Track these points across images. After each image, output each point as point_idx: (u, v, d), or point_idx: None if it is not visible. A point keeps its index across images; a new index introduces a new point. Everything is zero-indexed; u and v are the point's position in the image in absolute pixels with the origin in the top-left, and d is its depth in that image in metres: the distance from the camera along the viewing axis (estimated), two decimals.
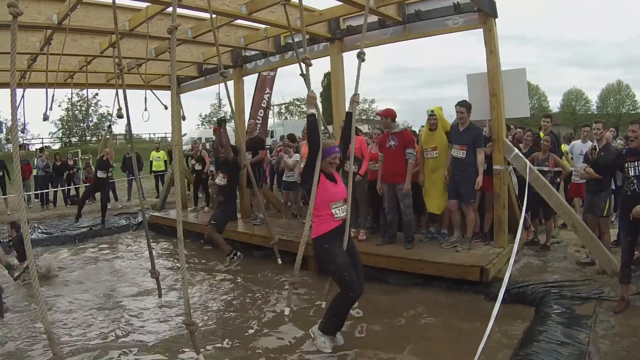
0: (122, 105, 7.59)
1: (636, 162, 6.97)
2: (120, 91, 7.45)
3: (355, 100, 7.22)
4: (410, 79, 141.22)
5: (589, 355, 5.80)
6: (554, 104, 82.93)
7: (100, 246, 14.21)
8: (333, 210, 6.40)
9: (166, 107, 11.90)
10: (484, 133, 9.84)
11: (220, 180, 10.76)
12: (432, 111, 10.02)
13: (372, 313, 7.77)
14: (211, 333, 7.58)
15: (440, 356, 6.51)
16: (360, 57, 6.92)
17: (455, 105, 9.63)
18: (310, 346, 6.75)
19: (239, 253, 9.22)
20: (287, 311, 6.69)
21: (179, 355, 6.74)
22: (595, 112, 76.57)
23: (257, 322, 7.97)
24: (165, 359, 6.71)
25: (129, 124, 8.06)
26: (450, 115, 10.48)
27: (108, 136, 20.84)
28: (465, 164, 9.42)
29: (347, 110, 7.59)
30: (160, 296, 7.71)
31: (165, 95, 16.62)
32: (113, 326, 7.84)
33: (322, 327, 6.58)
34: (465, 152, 9.41)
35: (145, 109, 9.72)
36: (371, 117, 68.98)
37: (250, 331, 7.65)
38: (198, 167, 17.19)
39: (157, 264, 11.38)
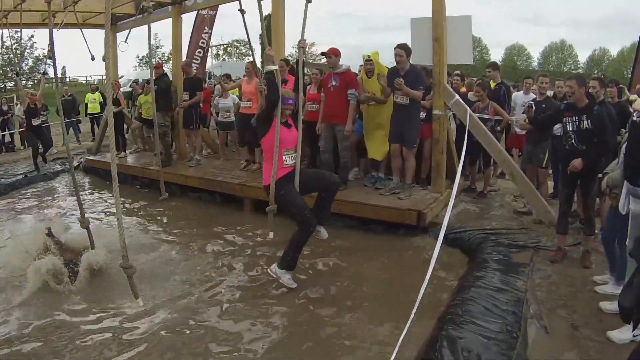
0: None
1: (574, 117, 6.97)
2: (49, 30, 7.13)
3: (301, 45, 7.28)
4: (353, 24, 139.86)
5: (527, 303, 5.83)
6: (496, 57, 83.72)
7: (35, 193, 13.83)
8: (283, 157, 6.70)
9: (93, 58, 11.61)
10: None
11: None
12: (369, 56, 9.79)
13: (310, 255, 7.83)
14: (152, 276, 7.49)
15: (379, 301, 6.56)
16: None
17: (395, 48, 9.30)
18: (250, 282, 7.27)
19: None
20: (271, 235, 6.81)
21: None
22: (537, 69, 77.59)
23: (198, 263, 8.05)
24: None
25: (54, 64, 7.82)
26: (390, 62, 10.26)
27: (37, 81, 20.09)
28: (410, 110, 9.23)
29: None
30: (92, 248, 7.41)
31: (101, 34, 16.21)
32: None
33: (284, 265, 6.88)
34: (408, 98, 9.17)
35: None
36: (310, 60, 68.98)
37: (192, 272, 7.70)
38: (114, 109, 16.80)
39: (94, 208, 11.24)
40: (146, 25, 15.53)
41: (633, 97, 5.51)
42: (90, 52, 12.46)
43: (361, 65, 10.74)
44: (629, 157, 5.48)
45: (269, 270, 7.12)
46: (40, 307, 6.51)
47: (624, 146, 5.92)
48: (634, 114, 5.36)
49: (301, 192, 6.91)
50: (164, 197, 8.13)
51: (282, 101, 6.74)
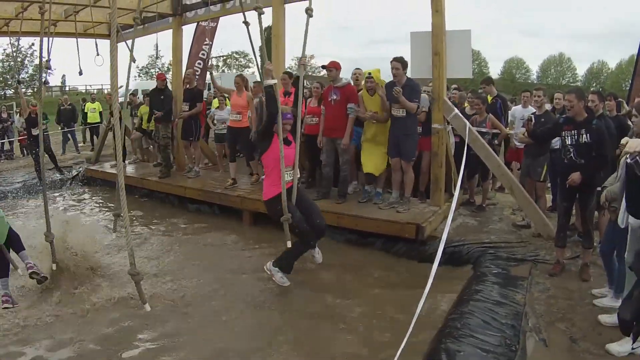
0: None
1: (573, 131, 7.00)
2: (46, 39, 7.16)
3: (302, 63, 7.35)
4: (354, 37, 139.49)
5: (526, 316, 5.84)
6: (495, 70, 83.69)
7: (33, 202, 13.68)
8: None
9: (81, 73, 11.57)
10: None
11: None
12: (370, 74, 9.70)
13: (311, 269, 7.82)
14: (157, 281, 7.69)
15: (378, 316, 6.55)
16: (308, 13, 6.78)
17: (391, 61, 9.32)
18: (249, 294, 7.25)
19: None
20: (289, 244, 6.89)
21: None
22: (535, 82, 77.56)
23: (200, 272, 8.12)
24: None
25: (40, 73, 7.85)
26: (389, 76, 10.26)
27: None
28: (406, 123, 9.22)
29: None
30: (54, 262, 7.34)
31: (103, 44, 16.23)
32: None
33: (279, 265, 7.16)
34: (405, 111, 9.15)
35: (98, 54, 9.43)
36: (310, 73, 69.15)
37: (196, 280, 7.79)
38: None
39: (95, 218, 11.25)
40: (148, 35, 15.78)
41: (624, 140, 5.59)
42: (79, 66, 12.40)
43: (353, 73, 10.73)
44: (629, 198, 5.50)
45: (264, 267, 7.33)
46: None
47: (622, 159, 5.95)
48: (627, 157, 5.38)
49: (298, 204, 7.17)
50: (117, 213, 8.02)
51: (282, 116, 6.80)
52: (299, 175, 7.32)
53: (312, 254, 7.47)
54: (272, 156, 6.81)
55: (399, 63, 9.17)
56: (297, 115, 7.15)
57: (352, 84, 10.29)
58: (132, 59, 6.91)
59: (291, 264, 7.21)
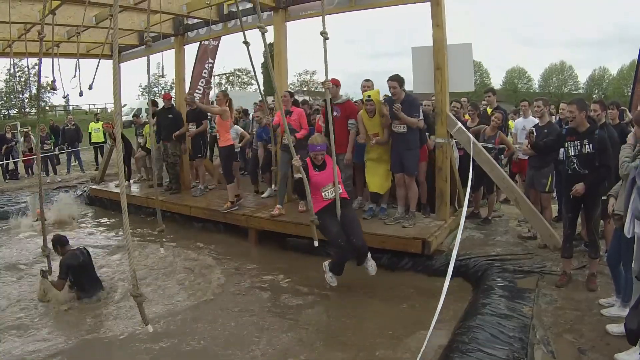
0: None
1: (576, 142, 7.03)
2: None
3: (327, 87, 7.72)
4: (356, 51, 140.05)
5: (533, 328, 5.81)
6: (497, 80, 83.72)
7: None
8: (323, 193, 7.74)
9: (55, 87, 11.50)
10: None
11: None
12: (369, 96, 9.64)
13: (317, 287, 7.91)
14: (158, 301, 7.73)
15: (386, 333, 6.53)
16: (324, 36, 6.96)
17: (387, 81, 9.39)
18: (255, 313, 7.27)
19: None
20: (315, 243, 7.39)
21: None
22: (537, 91, 77.48)
23: (205, 290, 8.19)
24: None
25: (38, 94, 7.99)
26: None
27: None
28: (408, 138, 9.25)
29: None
30: (50, 274, 7.48)
31: (105, 65, 16.23)
32: None
33: (330, 266, 7.81)
34: (406, 126, 9.20)
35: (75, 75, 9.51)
36: (312, 89, 69.56)
37: (201, 298, 7.89)
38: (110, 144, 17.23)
39: (102, 237, 11.28)
40: (150, 55, 15.82)
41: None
42: (80, 87, 12.19)
43: (363, 86, 10.71)
44: None
45: (323, 263, 7.95)
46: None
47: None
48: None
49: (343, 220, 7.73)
50: (161, 229, 8.05)
51: (311, 148, 7.80)
52: (340, 191, 7.76)
53: (366, 267, 7.80)
54: (312, 181, 7.59)
55: (396, 82, 9.23)
56: (331, 141, 7.77)
57: (361, 95, 10.35)
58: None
59: (337, 268, 7.72)
